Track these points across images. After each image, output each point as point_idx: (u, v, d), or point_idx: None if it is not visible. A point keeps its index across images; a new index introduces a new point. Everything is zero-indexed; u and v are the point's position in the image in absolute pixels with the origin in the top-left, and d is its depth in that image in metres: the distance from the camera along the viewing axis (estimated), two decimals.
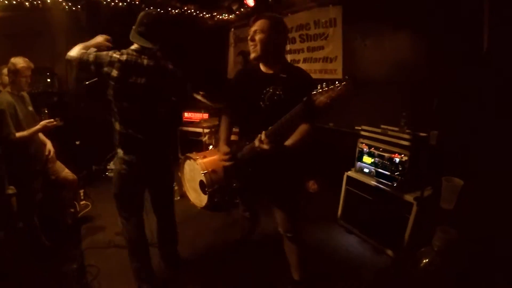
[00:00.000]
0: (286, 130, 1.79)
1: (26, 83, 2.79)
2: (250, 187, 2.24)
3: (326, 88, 1.50)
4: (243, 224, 2.91)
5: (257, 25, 1.94)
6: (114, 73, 2.10)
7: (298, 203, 2.33)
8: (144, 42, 2.17)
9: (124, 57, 2.13)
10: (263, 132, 1.77)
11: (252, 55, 2.00)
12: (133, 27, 2.22)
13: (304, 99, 1.57)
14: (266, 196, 2.33)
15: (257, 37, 1.93)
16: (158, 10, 2.46)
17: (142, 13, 2.21)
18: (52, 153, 3.11)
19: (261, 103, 1.97)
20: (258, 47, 1.94)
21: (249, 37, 1.97)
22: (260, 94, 1.97)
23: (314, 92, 1.53)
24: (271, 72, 2.02)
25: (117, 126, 2.24)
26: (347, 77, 1.51)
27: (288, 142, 1.90)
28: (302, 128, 1.92)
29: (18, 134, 2.65)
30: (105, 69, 2.11)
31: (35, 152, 2.93)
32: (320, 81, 1.54)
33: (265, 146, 1.75)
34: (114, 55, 2.13)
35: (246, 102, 2.11)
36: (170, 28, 2.41)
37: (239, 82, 2.21)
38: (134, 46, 2.21)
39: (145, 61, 2.19)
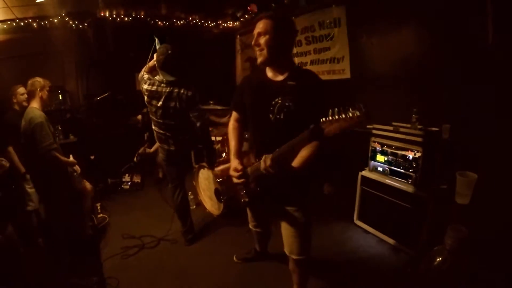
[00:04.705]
0: (291, 154, 1.70)
1: (51, 97, 2.93)
2: (259, 204, 2.18)
3: (337, 117, 1.32)
4: (257, 238, 2.84)
5: (260, 27, 1.77)
6: (145, 98, 2.96)
7: (308, 225, 2.07)
8: (166, 76, 2.82)
9: (148, 87, 2.88)
10: (268, 156, 1.67)
11: (259, 60, 1.83)
12: (155, 62, 2.83)
13: (311, 126, 1.40)
14: (274, 215, 2.24)
15: (262, 40, 1.76)
16: (171, 47, 2.80)
17: (159, 52, 2.78)
18: (79, 170, 3.29)
19: (271, 115, 1.83)
20: (265, 51, 1.77)
21: (253, 42, 1.82)
22: (269, 106, 1.83)
23: (324, 120, 1.36)
24: (279, 79, 1.86)
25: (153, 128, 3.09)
26: (361, 104, 1.30)
27: (295, 163, 1.79)
28: (310, 146, 1.72)
29: (58, 154, 2.83)
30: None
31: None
32: (329, 82, 1.49)
33: (271, 170, 1.66)
34: (145, 86, 2.91)
35: (254, 113, 2.00)
36: (184, 60, 2.94)
37: (245, 91, 2.07)
38: (158, 77, 2.87)
39: (163, 89, 2.82)
